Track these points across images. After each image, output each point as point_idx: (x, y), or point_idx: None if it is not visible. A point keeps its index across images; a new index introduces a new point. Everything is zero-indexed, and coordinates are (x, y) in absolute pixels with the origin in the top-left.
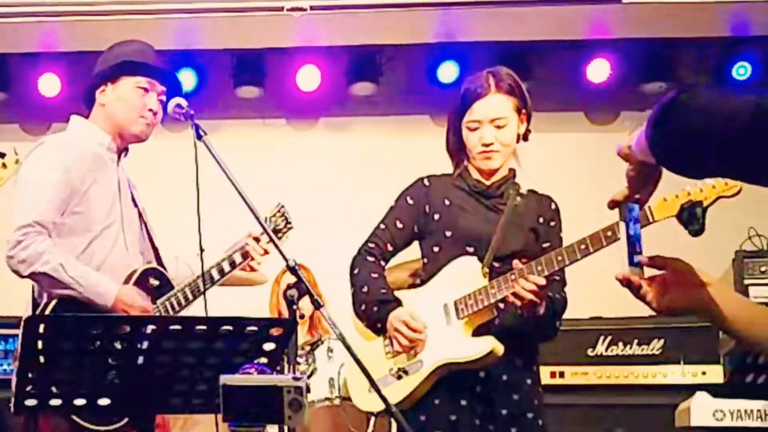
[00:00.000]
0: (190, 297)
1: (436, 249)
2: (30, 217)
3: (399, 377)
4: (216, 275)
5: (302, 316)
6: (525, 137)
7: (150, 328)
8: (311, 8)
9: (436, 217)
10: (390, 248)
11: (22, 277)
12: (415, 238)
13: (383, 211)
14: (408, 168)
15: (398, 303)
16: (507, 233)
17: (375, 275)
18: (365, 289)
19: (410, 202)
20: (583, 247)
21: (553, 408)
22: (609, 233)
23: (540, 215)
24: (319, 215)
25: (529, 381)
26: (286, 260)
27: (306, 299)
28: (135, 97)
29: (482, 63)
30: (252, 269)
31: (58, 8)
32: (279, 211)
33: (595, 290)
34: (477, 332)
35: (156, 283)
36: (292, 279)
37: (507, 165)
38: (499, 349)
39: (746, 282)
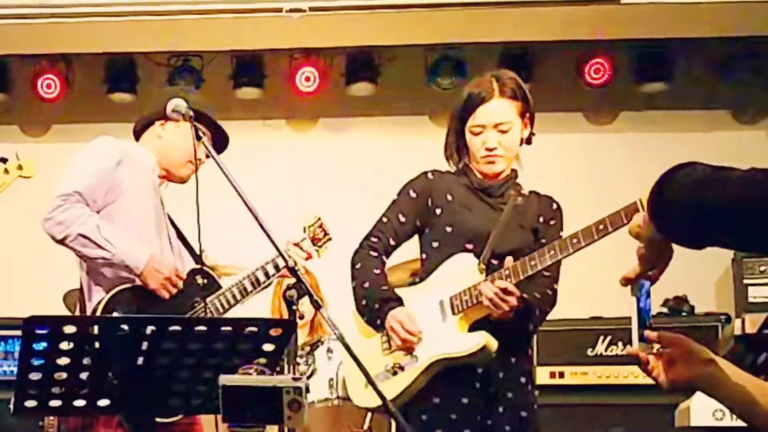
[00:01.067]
0: (238, 297)
1: (435, 244)
2: (72, 187)
3: (395, 373)
4: (262, 277)
5: (302, 317)
6: (528, 141)
7: (150, 328)
8: (310, 9)
9: (438, 211)
10: (392, 242)
11: (56, 241)
12: (417, 231)
13: (383, 211)
14: (407, 168)
15: (399, 302)
16: (506, 232)
17: (377, 271)
18: (366, 284)
19: (413, 195)
20: (575, 241)
21: (553, 408)
22: (601, 227)
23: (540, 215)
24: (318, 215)
25: (523, 379)
26: (286, 261)
27: (307, 301)
28: (191, 143)
29: (481, 63)
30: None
31: (58, 9)
32: (317, 222)
33: (595, 290)
34: (473, 328)
35: (203, 281)
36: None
37: (509, 167)
38: (493, 344)
39: (745, 282)
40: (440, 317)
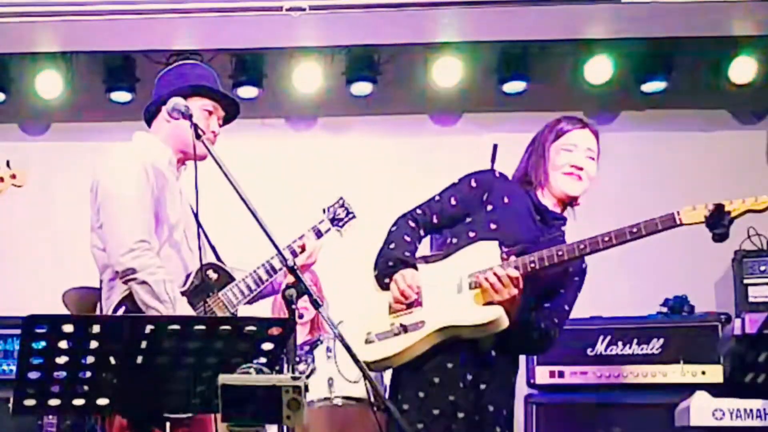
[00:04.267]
0: (254, 287)
1: (471, 234)
2: (138, 236)
3: (397, 333)
4: (277, 265)
5: (301, 316)
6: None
7: (149, 328)
8: (310, 8)
9: (489, 207)
10: (435, 220)
11: (122, 281)
12: (460, 220)
13: (383, 210)
14: (407, 167)
15: (412, 266)
16: (565, 248)
17: (408, 238)
18: (392, 245)
19: (473, 184)
20: (581, 246)
21: (552, 407)
22: (606, 238)
23: (570, 264)
24: (318, 215)
25: (513, 379)
26: (285, 260)
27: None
28: (201, 119)
29: (481, 62)
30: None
31: (58, 8)
32: (339, 202)
33: (595, 290)
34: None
35: (215, 276)
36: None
37: (567, 209)
38: (504, 320)
39: (746, 281)
40: (456, 289)
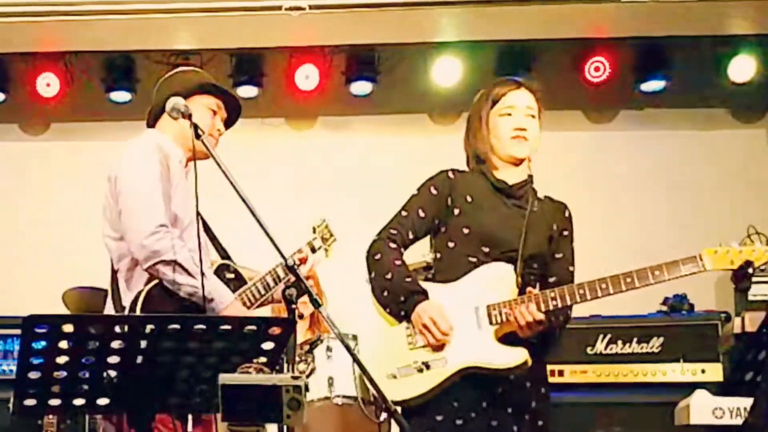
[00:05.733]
0: (263, 292)
1: (451, 245)
2: (159, 221)
3: (420, 370)
4: (282, 273)
5: (301, 316)
6: None
7: (149, 327)
8: (310, 7)
9: (456, 212)
10: (411, 236)
11: (145, 267)
12: (433, 229)
13: (383, 210)
14: (407, 167)
15: (425, 294)
16: (530, 237)
17: (398, 262)
18: (389, 276)
19: (434, 192)
20: (603, 286)
21: (552, 406)
22: (628, 279)
23: (554, 222)
24: (318, 214)
25: (543, 390)
26: (285, 259)
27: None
28: (206, 118)
29: (481, 61)
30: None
31: (57, 8)
32: (323, 224)
33: None
34: (501, 340)
35: (231, 276)
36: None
37: (525, 168)
38: (529, 361)
39: None
40: (475, 324)
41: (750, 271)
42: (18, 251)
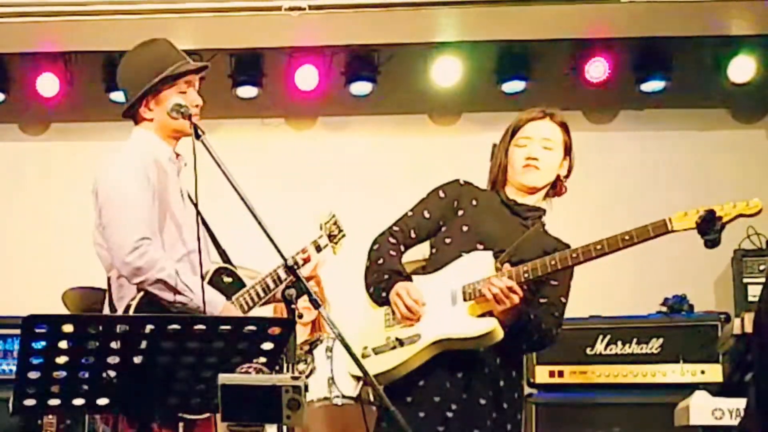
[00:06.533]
0: (262, 294)
1: (447, 240)
2: (141, 233)
3: (394, 347)
4: (283, 275)
5: (300, 316)
6: (560, 189)
7: (149, 327)
8: (309, 7)
9: (461, 213)
10: (413, 235)
11: (132, 283)
12: (436, 229)
13: (383, 210)
14: (407, 167)
15: (408, 278)
16: (525, 244)
17: (393, 253)
18: (380, 261)
19: (442, 195)
20: (574, 255)
21: (552, 407)
22: (599, 247)
23: (556, 249)
24: (317, 214)
25: (516, 395)
26: (285, 260)
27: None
28: (184, 98)
29: (481, 61)
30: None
31: (57, 8)
32: (332, 219)
33: (594, 289)
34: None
35: (229, 280)
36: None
37: (540, 196)
38: (499, 332)
39: (745, 280)
40: (450, 301)
41: (717, 224)
42: (18, 251)
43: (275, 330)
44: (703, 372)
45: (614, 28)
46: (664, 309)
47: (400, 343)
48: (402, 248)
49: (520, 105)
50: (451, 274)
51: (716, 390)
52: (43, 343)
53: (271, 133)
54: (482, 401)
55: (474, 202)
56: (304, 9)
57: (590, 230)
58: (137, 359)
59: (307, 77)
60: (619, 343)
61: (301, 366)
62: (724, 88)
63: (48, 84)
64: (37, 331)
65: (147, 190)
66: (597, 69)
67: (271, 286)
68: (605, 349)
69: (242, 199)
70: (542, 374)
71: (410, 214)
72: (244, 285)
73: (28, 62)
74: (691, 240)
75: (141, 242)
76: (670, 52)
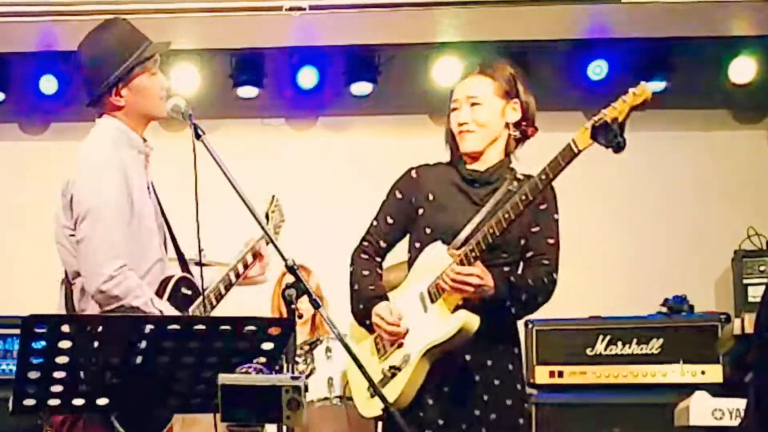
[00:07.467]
0: (215, 302)
1: (417, 245)
2: (120, 260)
3: (393, 375)
4: (233, 278)
5: (300, 317)
6: (524, 133)
7: (149, 327)
8: (310, 8)
9: (420, 211)
10: (383, 244)
11: (103, 309)
12: (407, 231)
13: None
14: (407, 167)
15: (383, 299)
16: (493, 221)
17: (366, 272)
18: (356, 287)
19: (398, 196)
20: (506, 216)
21: (552, 407)
22: (523, 197)
23: (528, 204)
24: (317, 215)
25: (510, 366)
26: (285, 260)
27: (305, 300)
28: (151, 86)
29: (481, 62)
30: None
31: (58, 8)
32: (275, 204)
33: (594, 290)
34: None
35: (189, 292)
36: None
37: (497, 152)
38: (471, 322)
39: (745, 281)
40: (422, 309)
41: (614, 127)
42: (18, 251)
43: (275, 330)
44: (703, 372)
45: (615, 28)
46: (665, 309)
47: (397, 369)
48: (377, 259)
49: None
50: (416, 278)
51: (716, 390)
52: (43, 343)
53: (271, 133)
54: (485, 397)
55: (431, 197)
56: (305, 9)
57: (591, 230)
58: (137, 359)
59: (307, 77)
60: (620, 343)
61: (301, 366)
62: (724, 89)
63: (48, 84)
64: (38, 331)
65: (126, 205)
66: (598, 69)
67: (223, 292)
68: (605, 349)
69: (242, 199)
70: (542, 375)
71: (375, 223)
72: (199, 294)
73: (28, 62)
74: (691, 241)
75: (118, 271)
76: (670, 52)
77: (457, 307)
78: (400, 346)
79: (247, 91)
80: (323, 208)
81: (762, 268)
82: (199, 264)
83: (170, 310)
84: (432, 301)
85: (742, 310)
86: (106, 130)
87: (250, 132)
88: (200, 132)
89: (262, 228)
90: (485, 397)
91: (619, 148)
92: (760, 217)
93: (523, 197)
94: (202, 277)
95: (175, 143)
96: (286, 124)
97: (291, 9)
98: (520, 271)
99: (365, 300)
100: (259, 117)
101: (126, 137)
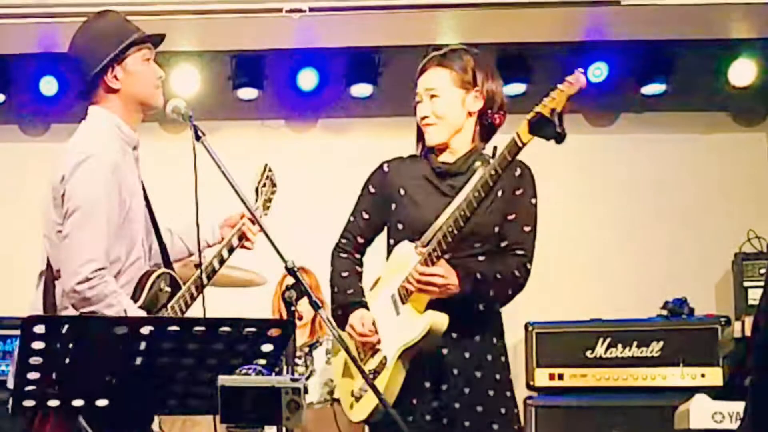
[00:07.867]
0: (195, 294)
1: (391, 242)
2: (98, 263)
3: (374, 379)
4: (217, 265)
5: (300, 318)
6: (491, 121)
7: (148, 328)
8: (310, 10)
9: (393, 207)
10: (360, 240)
11: (77, 309)
12: (385, 223)
13: None
14: None
15: (359, 305)
16: (450, 219)
17: (344, 274)
18: (336, 289)
19: (372, 191)
20: (462, 213)
21: (552, 409)
22: (476, 194)
23: (502, 187)
24: (317, 217)
25: (489, 357)
26: (285, 261)
27: (305, 302)
28: (146, 70)
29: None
30: (247, 248)
31: (58, 9)
32: (266, 176)
33: (595, 292)
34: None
35: (168, 289)
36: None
37: (465, 142)
38: (439, 321)
39: (745, 284)
40: (395, 311)
41: (553, 118)
42: (18, 252)
43: (275, 332)
44: (703, 375)
45: (615, 31)
46: (665, 312)
47: (377, 372)
48: (356, 256)
49: (521, 107)
50: (387, 279)
51: (716, 393)
52: (43, 344)
53: (271, 135)
54: (467, 390)
55: (402, 191)
56: (305, 11)
57: (591, 231)
58: (136, 360)
59: (307, 79)
60: (620, 346)
61: (301, 368)
62: (724, 92)
63: (48, 85)
64: (37, 331)
65: (116, 206)
66: (597, 72)
67: (217, 267)
68: (605, 352)
69: (242, 200)
70: (542, 377)
71: (352, 219)
72: (180, 288)
73: (29, 63)
74: (691, 243)
75: (95, 274)
76: (670, 55)
77: (428, 306)
78: (377, 351)
79: (247, 93)
80: (323, 210)
81: (762, 271)
82: (199, 265)
83: (125, 300)
84: (403, 303)
85: (743, 312)
86: (100, 123)
87: (250, 133)
88: (200, 133)
89: (263, 229)
90: (466, 390)
91: (560, 139)
92: (761, 220)
93: (476, 194)
94: (201, 277)
95: (174, 144)
96: (286, 125)
97: (291, 11)
98: (492, 262)
99: (343, 306)
100: (259, 119)
101: (119, 132)
